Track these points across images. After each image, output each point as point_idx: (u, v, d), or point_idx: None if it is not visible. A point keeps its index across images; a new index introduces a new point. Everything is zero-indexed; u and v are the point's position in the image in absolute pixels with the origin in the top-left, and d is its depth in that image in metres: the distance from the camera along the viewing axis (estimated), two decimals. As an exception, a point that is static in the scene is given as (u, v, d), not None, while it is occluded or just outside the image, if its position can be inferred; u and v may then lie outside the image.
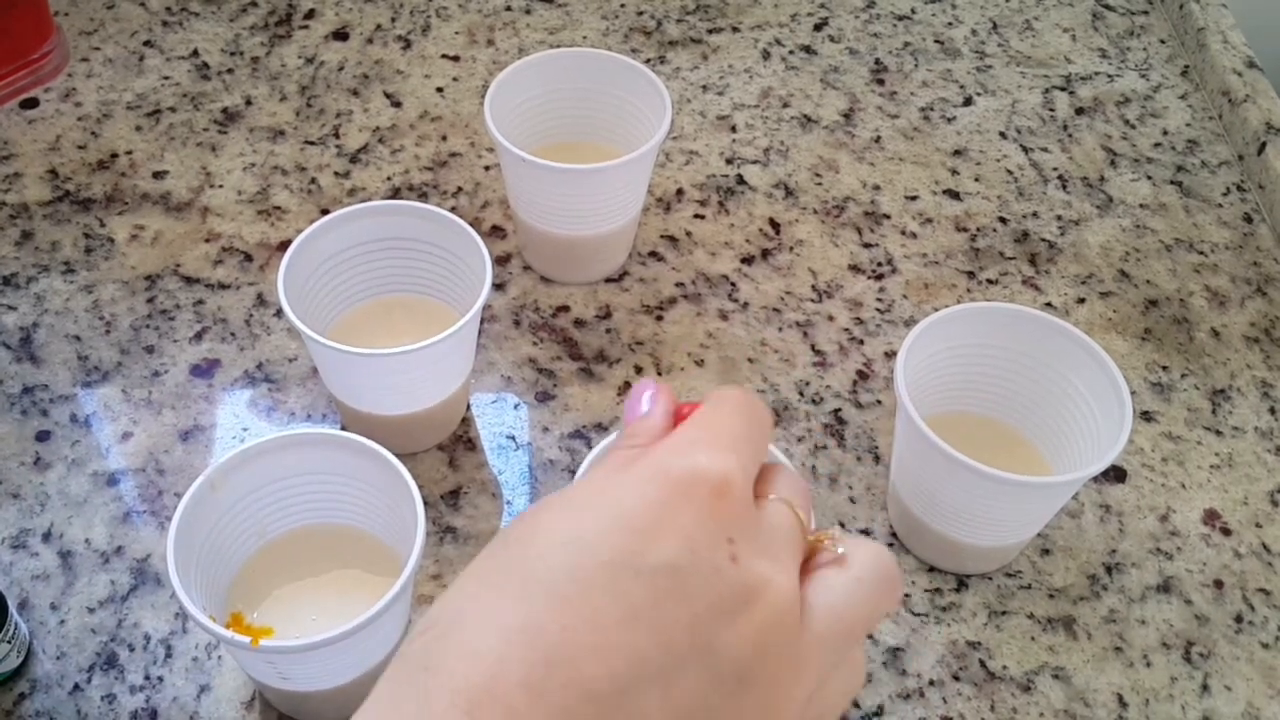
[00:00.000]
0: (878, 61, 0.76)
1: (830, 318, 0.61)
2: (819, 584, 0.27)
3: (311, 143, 0.68)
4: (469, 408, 0.56)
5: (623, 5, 0.79)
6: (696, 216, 0.66)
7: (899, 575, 0.28)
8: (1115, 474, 0.55)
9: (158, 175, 0.66)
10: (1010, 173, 0.69)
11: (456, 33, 0.76)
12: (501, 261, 0.62)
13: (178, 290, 0.60)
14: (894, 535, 0.52)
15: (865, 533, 0.52)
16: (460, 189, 0.66)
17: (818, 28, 0.79)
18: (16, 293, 0.59)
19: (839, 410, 0.57)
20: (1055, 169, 0.70)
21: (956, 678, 0.48)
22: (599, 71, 0.60)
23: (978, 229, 0.66)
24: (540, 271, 0.62)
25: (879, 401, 0.57)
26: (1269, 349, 0.61)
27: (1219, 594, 0.51)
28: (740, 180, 0.68)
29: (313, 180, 0.66)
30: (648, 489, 0.25)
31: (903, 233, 0.65)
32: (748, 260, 0.64)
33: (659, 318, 0.60)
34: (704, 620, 0.24)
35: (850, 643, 0.27)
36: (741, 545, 0.25)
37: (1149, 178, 0.70)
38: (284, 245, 0.61)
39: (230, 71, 0.72)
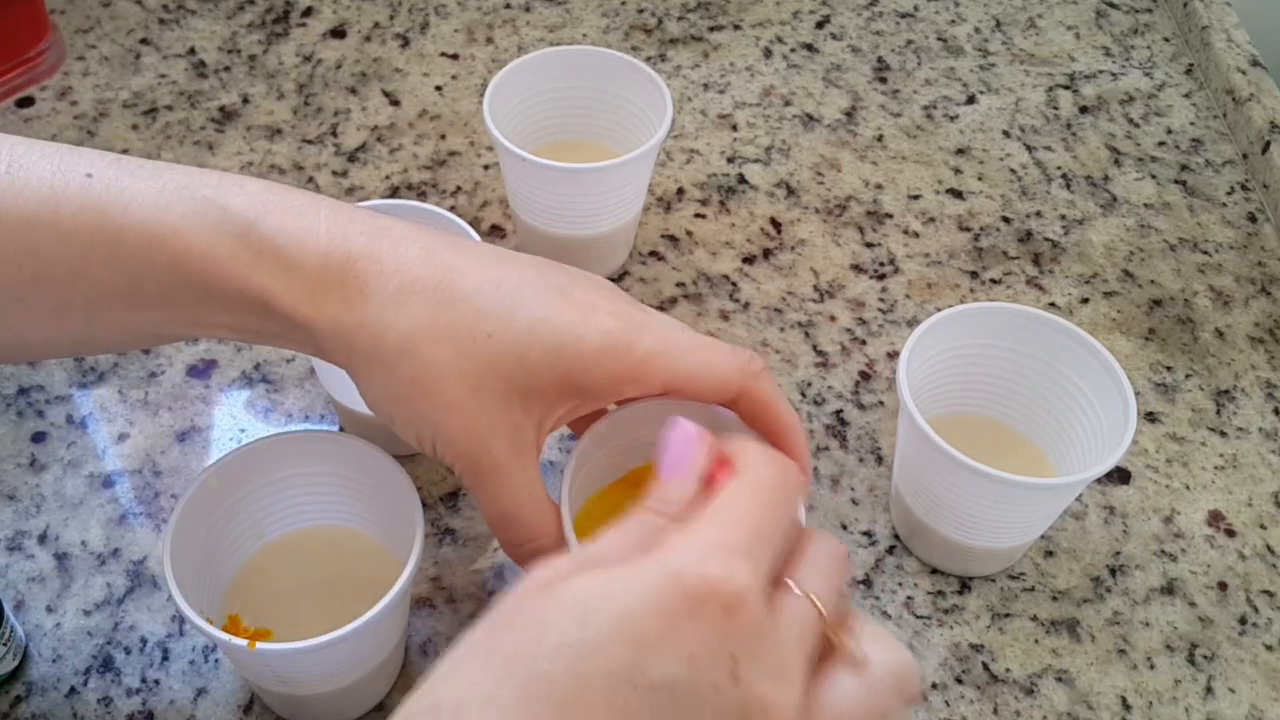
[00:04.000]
0: (880, 60, 0.76)
1: (832, 318, 0.61)
2: (832, 688, 0.27)
3: (309, 141, 0.68)
4: (468, 408, 0.56)
5: (623, 3, 0.78)
6: (697, 216, 0.65)
7: (917, 680, 0.28)
8: (1119, 475, 0.55)
9: (155, 174, 0.65)
10: (1014, 172, 0.69)
11: (455, 31, 0.76)
12: (501, 261, 0.62)
13: (175, 290, 0.60)
14: (896, 537, 0.52)
15: (867, 534, 0.52)
16: (459, 188, 0.66)
17: (820, 25, 0.78)
18: (13, 292, 0.59)
19: (841, 411, 0.57)
20: (1059, 168, 0.70)
21: (959, 680, 0.48)
22: (599, 70, 0.59)
23: (981, 228, 0.66)
24: (540, 271, 0.62)
25: (881, 402, 0.57)
26: (1273, 349, 0.61)
27: (1223, 596, 0.51)
28: (741, 179, 0.68)
29: (310, 179, 0.66)
30: (657, 599, 0.25)
31: (905, 232, 0.65)
32: (749, 260, 0.63)
33: (659, 317, 0.60)
34: None
35: None
36: (745, 664, 0.25)
37: (1153, 177, 0.69)
38: (282, 244, 0.61)
39: (227, 69, 0.72)
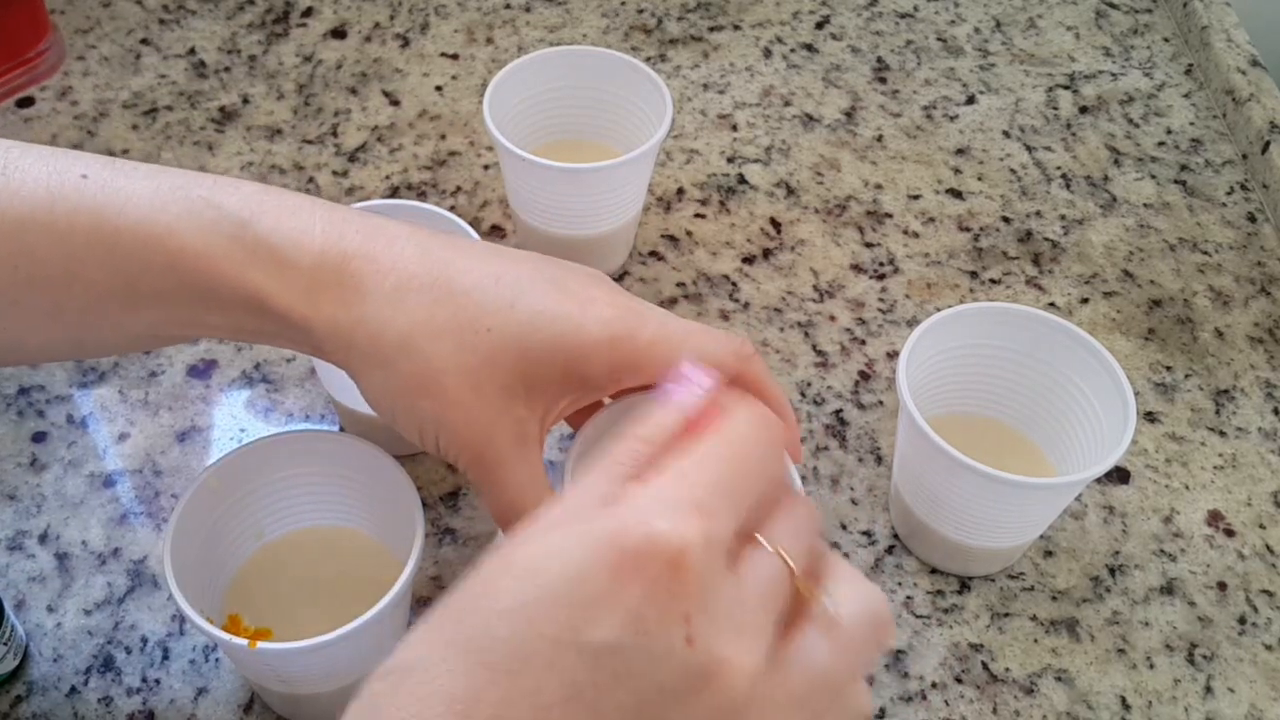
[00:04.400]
0: (880, 60, 0.76)
1: (832, 318, 0.61)
2: (802, 646, 0.26)
3: (309, 142, 0.68)
4: (468, 408, 0.56)
5: (623, 3, 0.78)
6: (697, 216, 0.65)
7: (890, 623, 0.27)
8: (1119, 475, 0.55)
9: (155, 174, 0.65)
10: (1013, 172, 0.69)
11: (455, 31, 0.76)
12: (501, 261, 0.62)
13: (175, 290, 0.60)
14: (896, 537, 0.52)
15: (867, 534, 0.52)
16: (459, 188, 0.66)
17: (819, 26, 0.78)
18: (13, 292, 0.59)
19: (840, 411, 0.57)
20: (1059, 168, 0.70)
21: (959, 680, 0.48)
22: (599, 70, 0.59)
23: (980, 228, 0.66)
24: (540, 271, 0.62)
25: (881, 402, 0.57)
26: (1272, 349, 0.61)
27: (1222, 596, 0.51)
28: (741, 179, 0.68)
29: (310, 179, 0.66)
30: (599, 557, 0.24)
31: (905, 232, 0.65)
32: (749, 260, 0.63)
33: (659, 317, 0.60)
34: (651, 704, 0.23)
35: (835, 696, 0.26)
36: (700, 623, 0.24)
37: (1153, 177, 0.69)
38: (282, 244, 0.61)
39: (227, 70, 0.72)
